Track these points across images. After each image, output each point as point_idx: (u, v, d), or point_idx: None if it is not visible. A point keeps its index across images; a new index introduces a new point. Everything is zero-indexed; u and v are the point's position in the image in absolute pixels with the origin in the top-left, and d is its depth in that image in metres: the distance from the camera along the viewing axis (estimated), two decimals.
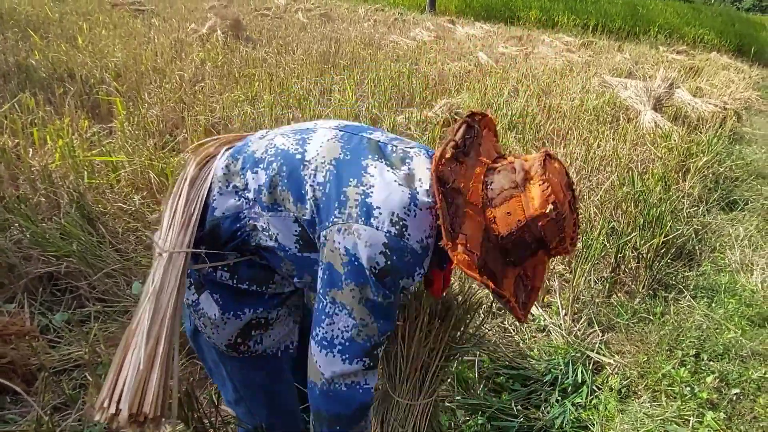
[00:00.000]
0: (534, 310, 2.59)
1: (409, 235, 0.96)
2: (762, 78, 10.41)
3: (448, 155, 0.98)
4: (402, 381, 1.35)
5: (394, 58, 7.49)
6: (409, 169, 1.01)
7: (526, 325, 2.51)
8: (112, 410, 0.83)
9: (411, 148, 1.07)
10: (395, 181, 0.98)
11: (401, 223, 0.96)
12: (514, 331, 2.44)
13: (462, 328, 1.42)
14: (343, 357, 0.98)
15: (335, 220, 0.96)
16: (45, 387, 1.67)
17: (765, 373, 2.08)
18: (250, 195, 1.04)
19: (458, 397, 1.83)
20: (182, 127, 4.02)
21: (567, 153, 3.91)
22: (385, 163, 1.00)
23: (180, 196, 1.03)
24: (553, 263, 2.84)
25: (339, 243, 0.95)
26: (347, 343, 0.98)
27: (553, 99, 5.78)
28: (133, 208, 2.73)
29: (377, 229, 0.94)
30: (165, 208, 1.05)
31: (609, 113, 5.41)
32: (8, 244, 2.28)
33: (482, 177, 1.02)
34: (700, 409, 1.90)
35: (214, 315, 1.10)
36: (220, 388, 1.32)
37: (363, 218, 0.94)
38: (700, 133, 5.06)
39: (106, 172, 3.05)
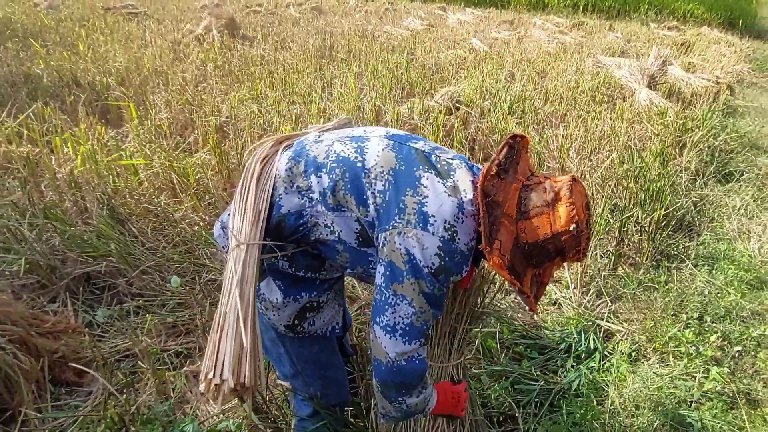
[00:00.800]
0: None
1: (458, 239, 1.14)
2: (753, 50, 10.51)
3: (493, 172, 1.15)
4: (434, 346, 1.50)
5: (390, 49, 7.57)
6: (454, 181, 1.17)
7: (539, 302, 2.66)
8: (217, 381, 0.96)
9: (452, 159, 1.22)
10: (445, 192, 1.14)
11: (452, 229, 1.13)
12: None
13: (481, 296, 1.57)
14: (404, 339, 1.14)
15: (395, 224, 1.11)
16: (109, 372, 1.79)
17: (764, 331, 2.23)
18: (315, 196, 1.18)
19: (484, 364, 1.98)
20: (192, 127, 4.13)
21: (566, 135, 4.03)
22: (434, 174, 1.16)
23: (249, 192, 1.16)
24: None
25: (400, 244, 1.11)
26: (407, 328, 1.14)
27: (549, 82, 5.90)
28: (159, 208, 2.85)
29: (433, 234, 1.11)
30: (234, 203, 1.18)
31: (605, 93, 5.53)
32: (46, 248, 2.40)
33: (518, 193, 1.20)
34: (706, 366, 2.06)
35: (276, 299, 1.25)
36: (275, 365, 1.46)
37: (421, 225, 1.11)
38: (695, 108, 5.20)
39: (126, 176, 3.17)
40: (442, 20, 11.98)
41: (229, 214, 1.25)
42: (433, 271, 1.11)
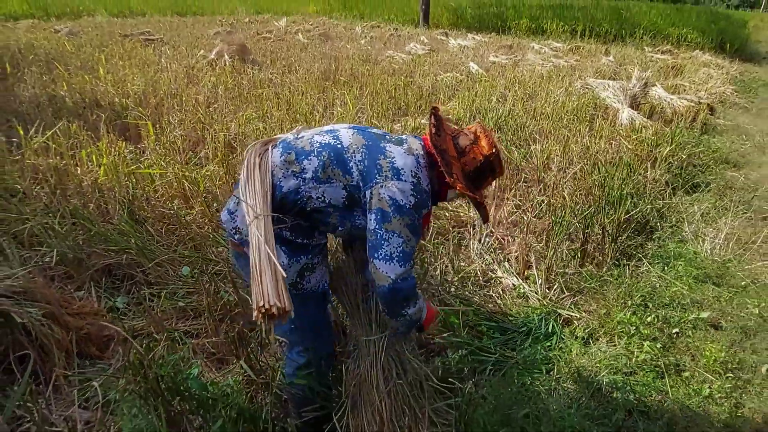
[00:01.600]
0: (515, 280, 3.05)
1: (422, 181, 1.60)
2: (740, 73, 10.85)
3: (434, 131, 1.66)
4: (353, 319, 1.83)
5: (391, 72, 8.02)
6: (408, 145, 1.65)
7: (509, 294, 2.97)
8: (266, 306, 1.32)
9: (402, 136, 1.72)
10: (404, 152, 1.61)
11: (417, 176, 1.58)
12: (498, 297, 2.91)
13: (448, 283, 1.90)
14: (400, 263, 1.54)
15: (377, 180, 1.54)
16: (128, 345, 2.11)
17: (699, 315, 2.53)
18: (308, 175, 1.56)
19: (445, 335, 2.30)
20: (203, 144, 4.53)
21: (545, 149, 4.38)
22: (393, 143, 1.64)
23: (254, 177, 1.54)
24: (532, 240, 3.30)
25: (384, 194, 1.52)
26: (401, 254, 1.54)
27: (538, 102, 6.28)
28: (172, 212, 3.22)
29: (405, 181, 1.55)
30: (242, 188, 1.53)
31: (589, 112, 5.88)
32: (73, 243, 2.77)
33: (451, 141, 1.71)
34: (643, 342, 2.36)
35: (283, 262, 1.60)
36: (276, 323, 1.80)
37: (396, 177, 1.55)
38: (675, 126, 5.54)
39: (143, 185, 3.56)
40: (443, 45, 12.47)
41: (234, 202, 1.62)
42: (411, 206, 1.54)
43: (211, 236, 3.10)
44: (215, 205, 3.45)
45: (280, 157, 1.60)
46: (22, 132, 3.83)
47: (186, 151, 4.35)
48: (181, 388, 1.71)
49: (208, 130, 4.62)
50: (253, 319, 1.34)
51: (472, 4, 19.10)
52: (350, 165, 1.56)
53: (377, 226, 1.53)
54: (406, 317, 1.64)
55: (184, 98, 5.71)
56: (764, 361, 2.31)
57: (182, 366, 1.80)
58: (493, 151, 1.68)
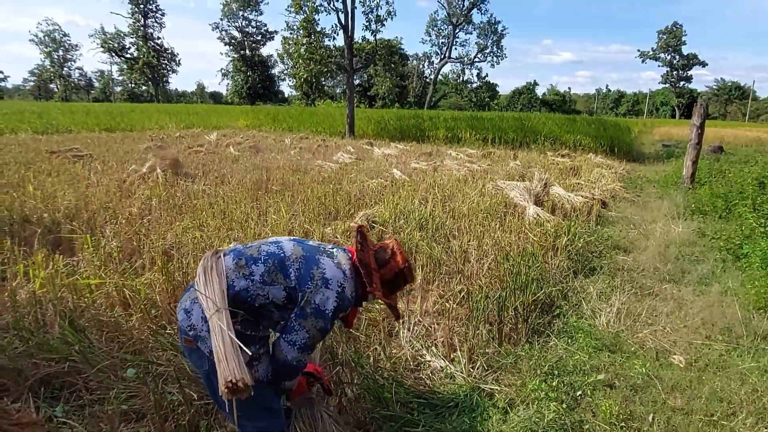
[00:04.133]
0: (442, 362, 3.34)
1: (346, 291, 2.00)
2: (627, 171, 12.51)
3: (358, 248, 2.10)
4: None
5: (320, 180, 8.60)
6: (337, 259, 2.07)
7: (437, 375, 3.25)
8: (233, 381, 1.58)
9: (332, 248, 2.15)
10: (334, 266, 2.02)
11: (342, 286, 1.99)
12: (427, 378, 3.18)
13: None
14: (298, 350, 1.92)
15: (309, 286, 1.93)
16: None
17: (596, 377, 2.93)
18: (256, 278, 1.92)
19: (378, 409, 2.53)
20: (139, 253, 4.68)
21: (463, 244, 4.91)
22: (326, 256, 2.05)
23: (212, 277, 1.85)
24: (455, 326, 3.65)
25: (311, 298, 1.92)
26: (302, 345, 1.92)
27: (455, 203, 6.97)
28: (112, 320, 3.32)
29: (331, 290, 1.95)
30: (203, 286, 1.82)
31: (500, 210, 6.61)
32: (13, 354, 2.81)
33: (373, 255, 2.17)
34: (551, 404, 2.69)
35: None
36: (227, 412, 1.98)
37: (324, 285, 1.95)
38: (573, 220, 6.34)
39: (80, 296, 3.63)
40: (368, 154, 13.47)
41: (190, 302, 1.90)
42: (331, 310, 1.93)
43: (152, 340, 3.21)
44: (154, 311, 3.58)
45: (233, 261, 1.96)
46: None
47: (122, 261, 4.48)
48: None
49: (144, 240, 4.79)
50: (220, 394, 1.59)
51: (393, 117, 20.90)
52: (290, 271, 1.94)
53: (294, 318, 1.92)
54: (282, 387, 2.05)
55: (117, 211, 5.86)
56: (650, 411, 2.70)
57: None
58: (406, 264, 2.16)
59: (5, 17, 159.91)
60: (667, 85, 76.09)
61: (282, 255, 1.97)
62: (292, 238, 2.14)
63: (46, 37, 67.72)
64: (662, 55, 73.04)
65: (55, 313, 3.26)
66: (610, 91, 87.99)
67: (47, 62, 69.57)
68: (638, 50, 75.65)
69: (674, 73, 73.80)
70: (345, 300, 1.97)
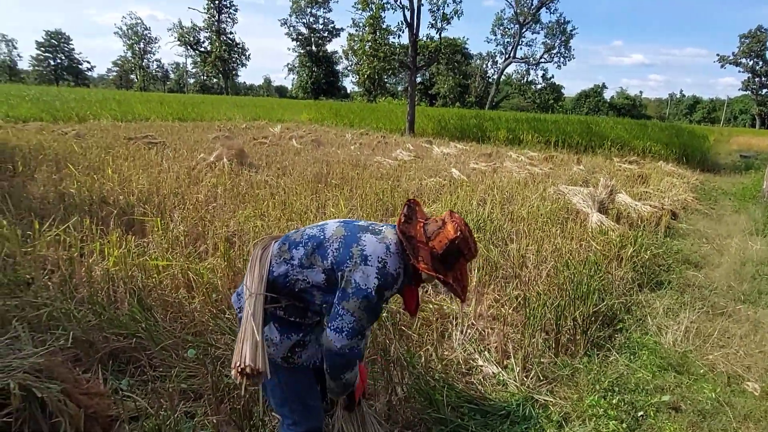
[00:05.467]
0: (495, 369, 3.27)
1: (389, 266, 1.83)
2: (701, 182, 11.79)
3: (402, 220, 1.93)
4: None
5: (379, 176, 8.64)
6: (383, 235, 1.91)
7: (489, 381, 3.19)
8: (242, 366, 1.58)
9: (383, 226, 2.00)
10: (376, 241, 1.87)
11: (384, 261, 1.83)
12: (480, 384, 3.12)
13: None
14: (348, 336, 1.77)
15: (347, 265, 1.81)
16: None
17: (661, 398, 2.77)
18: (295, 262, 1.88)
19: (428, 411, 2.50)
20: (203, 239, 4.87)
21: (521, 248, 4.78)
22: (369, 233, 1.90)
23: (255, 265, 1.88)
24: (510, 332, 3.56)
25: (350, 277, 1.79)
26: (350, 330, 1.77)
27: (515, 206, 6.81)
28: (176, 301, 3.47)
29: (371, 266, 1.80)
30: (247, 273, 1.86)
31: (561, 216, 6.40)
32: (87, 327, 2.99)
33: (421, 228, 1.96)
34: (610, 422, 2.57)
35: (275, 337, 1.88)
36: (269, 395, 2.02)
37: (363, 262, 1.80)
38: (641, 230, 6.04)
39: (148, 276, 3.82)
40: (427, 152, 13.41)
41: (242, 286, 1.93)
42: (374, 288, 1.77)
43: (212, 323, 3.33)
44: (215, 295, 3.71)
45: (278, 247, 1.96)
46: (37, 226, 4.14)
47: (188, 245, 4.67)
48: None
49: (208, 226, 4.98)
50: (232, 377, 1.60)
51: (454, 116, 20.69)
52: (327, 252, 1.84)
53: (337, 302, 1.80)
54: (342, 380, 1.86)
55: (185, 197, 6.13)
56: None
57: None
58: (458, 234, 1.88)
59: (99, 12, 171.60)
60: (748, 92, 71.02)
61: (321, 237, 1.88)
62: (341, 219, 2.02)
63: (129, 30, 72.13)
64: (743, 60, 68.13)
65: (125, 290, 3.45)
66: (684, 96, 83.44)
67: (129, 54, 74.07)
68: (717, 54, 70.53)
69: (756, 79, 68.76)
70: (388, 276, 1.80)
